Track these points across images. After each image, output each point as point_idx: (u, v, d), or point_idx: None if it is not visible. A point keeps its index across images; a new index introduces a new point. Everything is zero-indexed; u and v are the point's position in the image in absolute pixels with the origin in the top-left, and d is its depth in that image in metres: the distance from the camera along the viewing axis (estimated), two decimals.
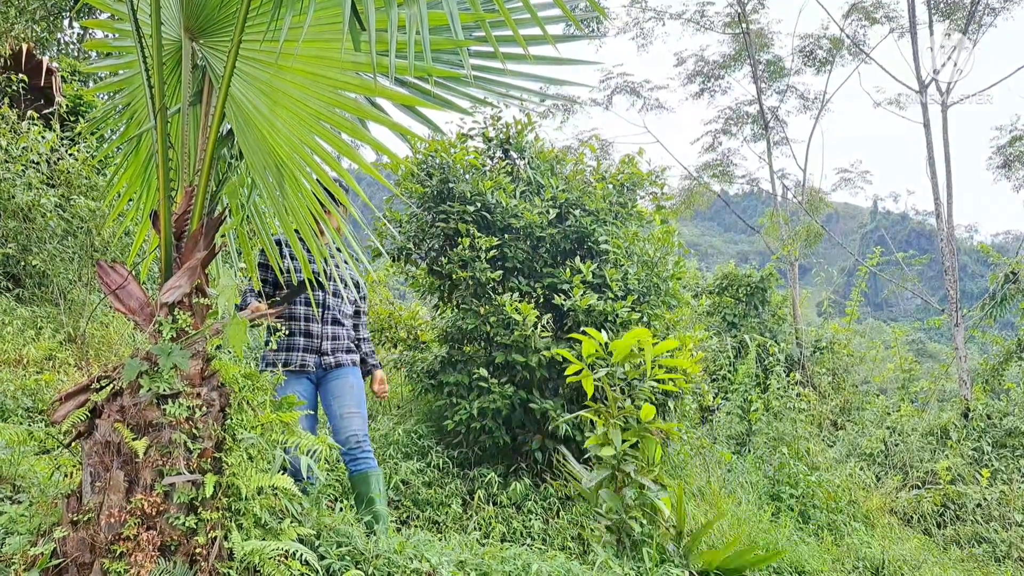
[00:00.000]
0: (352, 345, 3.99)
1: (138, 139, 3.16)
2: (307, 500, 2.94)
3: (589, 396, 4.34)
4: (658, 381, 4.35)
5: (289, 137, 2.60)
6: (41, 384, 4.94)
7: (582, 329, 4.43)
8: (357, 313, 4.17)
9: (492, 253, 5.65)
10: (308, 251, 3.82)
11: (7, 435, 2.65)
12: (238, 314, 2.67)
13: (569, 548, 4.86)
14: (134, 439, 2.37)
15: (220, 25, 2.79)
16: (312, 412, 3.80)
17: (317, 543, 2.90)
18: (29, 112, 7.18)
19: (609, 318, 5.56)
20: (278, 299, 3.84)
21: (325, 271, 3.63)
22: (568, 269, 5.78)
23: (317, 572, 2.53)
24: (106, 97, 8.63)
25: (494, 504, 5.20)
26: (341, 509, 3.74)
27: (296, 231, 2.86)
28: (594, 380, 4.29)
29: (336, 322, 3.91)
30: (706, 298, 14.02)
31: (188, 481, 2.39)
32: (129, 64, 3.21)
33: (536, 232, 5.88)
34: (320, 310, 3.88)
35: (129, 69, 3.22)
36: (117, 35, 3.28)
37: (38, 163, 6.75)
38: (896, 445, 9.17)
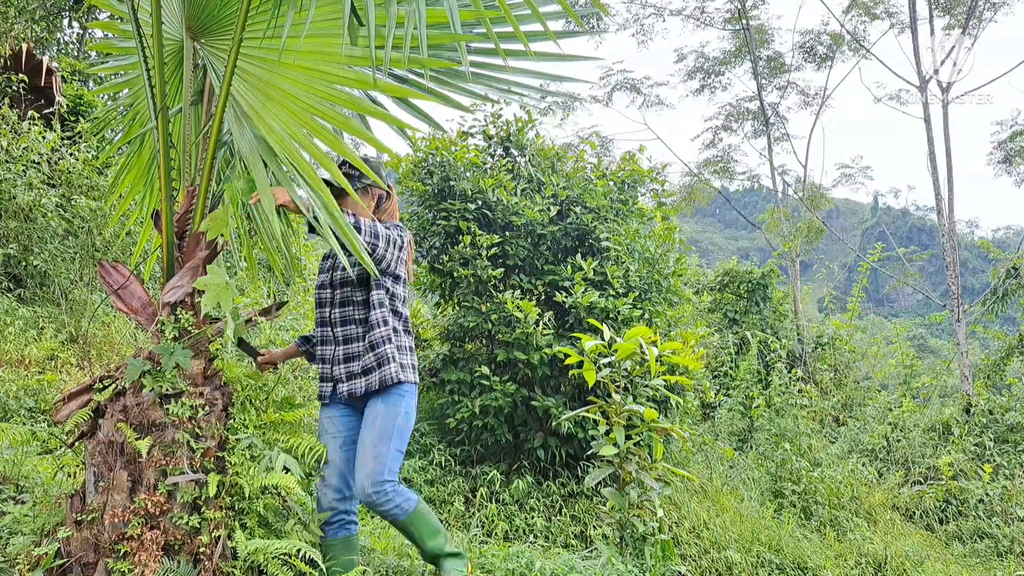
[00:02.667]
0: (375, 358, 2.96)
1: (141, 139, 3.16)
2: (311, 500, 2.94)
3: (591, 385, 4.32)
4: (665, 381, 4.34)
5: (280, 135, 2.57)
6: (43, 384, 4.95)
7: (584, 324, 4.42)
8: (366, 283, 3.06)
9: (493, 251, 5.64)
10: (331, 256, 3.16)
11: (10, 435, 2.65)
12: (247, 315, 2.66)
13: (572, 545, 4.87)
14: (137, 439, 2.37)
15: (221, 25, 2.79)
16: (349, 433, 3.03)
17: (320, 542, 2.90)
18: (29, 112, 7.18)
19: (611, 315, 5.56)
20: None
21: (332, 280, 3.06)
22: (569, 266, 5.77)
23: (320, 571, 2.53)
24: (106, 98, 8.64)
25: (497, 502, 5.20)
26: None
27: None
28: (598, 377, 4.29)
29: (348, 340, 3.04)
30: (707, 295, 14.02)
31: (191, 480, 2.40)
32: (133, 65, 3.21)
33: (537, 229, 5.88)
34: (328, 329, 3.10)
35: (133, 70, 3.22)
36: (118, 35, 3.28)
37: (39, 163, 6.75)
38: (898, 441, 9.17)
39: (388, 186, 3.21)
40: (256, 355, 3.19)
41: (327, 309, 3.08)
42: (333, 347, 3.04)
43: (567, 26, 3.16)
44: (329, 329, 3.06)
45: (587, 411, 4.32)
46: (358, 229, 2.82)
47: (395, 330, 3.04)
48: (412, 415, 3.00)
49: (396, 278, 3.08)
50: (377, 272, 2.93)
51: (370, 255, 2.87)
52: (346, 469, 2.96)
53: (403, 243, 3.08)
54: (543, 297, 5.83)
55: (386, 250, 2.95)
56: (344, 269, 3.05)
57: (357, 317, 3.02)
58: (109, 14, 3.17)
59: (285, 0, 2.26)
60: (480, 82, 2.83)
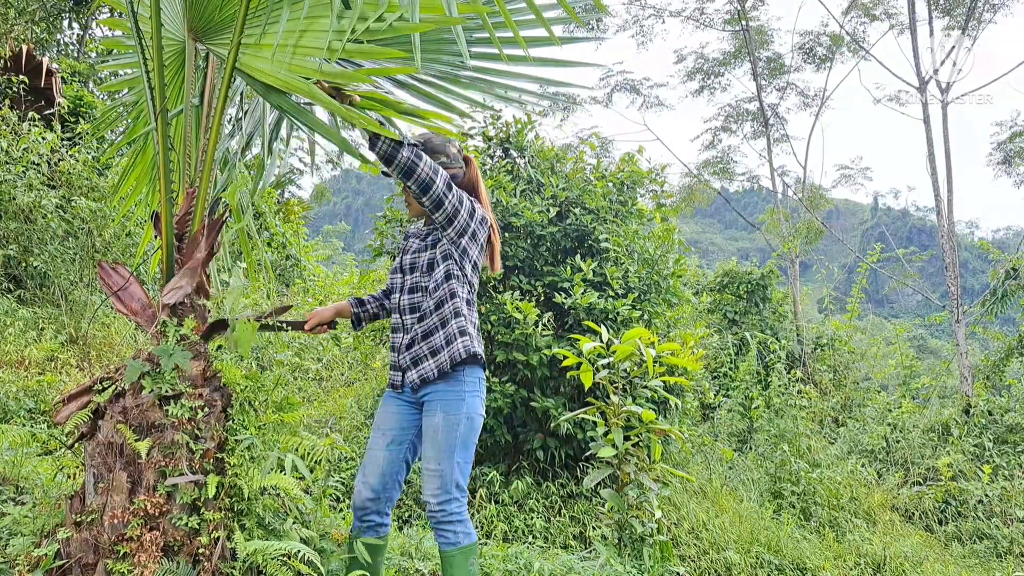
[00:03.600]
0: (444, 337, 2.80)
1: (145, 138, 3.17)
2: (310, 500, 2.95)
3: (587, 387, 4.33)
4: (663, 382, 4.34)
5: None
6: (43, 385, 4.96)
7: (583, 326, 4.43)
8: (431, 266, 2.87)
9: None
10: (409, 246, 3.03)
11: (10, 436, 2.66)
12: (245, 316, 2.67)
13: (571, 546, 4.87)
14: (137, 440, 2.38)
15: (221, 26, 2.80)
16: (401, 433, 2.92)
17: (320, 543, 2.91)
18: (30, 113, 7.19)
19: (610, 316, 5.57)
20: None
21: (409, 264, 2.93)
22: (569, 267, 5.78)
23: (320, 573, 2.53)
24: (105, 97, 8.64)
25: (496, 502, 5.21)
26: (343, 511, 3.75)
27: None
28: (596, 378, 4.29)
29: (414, 326, 2.87)
30: (707, 295, 14.03)
31: (191, 482, 2.40)
32: (137, 63, 3.22)
33: (536, 230, 5.89)
34: (398, 316, 2.94)
35: (137, 68, 3.24)
36: (125, 33, 3.29)
37: (39, 164, 6.76)
38: (897, 442, 9.17)
39: (464, 160, 3.02)
40: (299, 326, 2.97)
41: (396, 295, 2.95)
42: (402, 335, 2.90)
43: (567, 29, 3.16)
44: (399, 316, 2.92)
45: (586, 412, 4.33)
46: (418, 167, 2.62)
47: (462, 304, 2.85)
48: (476, 418, 2.81)
49: (464, 253, 2.85)
50: (443, 219, 2.76)
51: (427, 188, 2.66)
52: (387, 470, 2.87)
53: (479, 214, 2.87)
54: (542, 298, 5.83)
55: (447, 193, 2.71)
56: (415, 252, 2.93)
57: (424, 304, 2.85)
58: (110, 11, 3.19)
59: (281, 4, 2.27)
60: (478, 88, 2.83)
